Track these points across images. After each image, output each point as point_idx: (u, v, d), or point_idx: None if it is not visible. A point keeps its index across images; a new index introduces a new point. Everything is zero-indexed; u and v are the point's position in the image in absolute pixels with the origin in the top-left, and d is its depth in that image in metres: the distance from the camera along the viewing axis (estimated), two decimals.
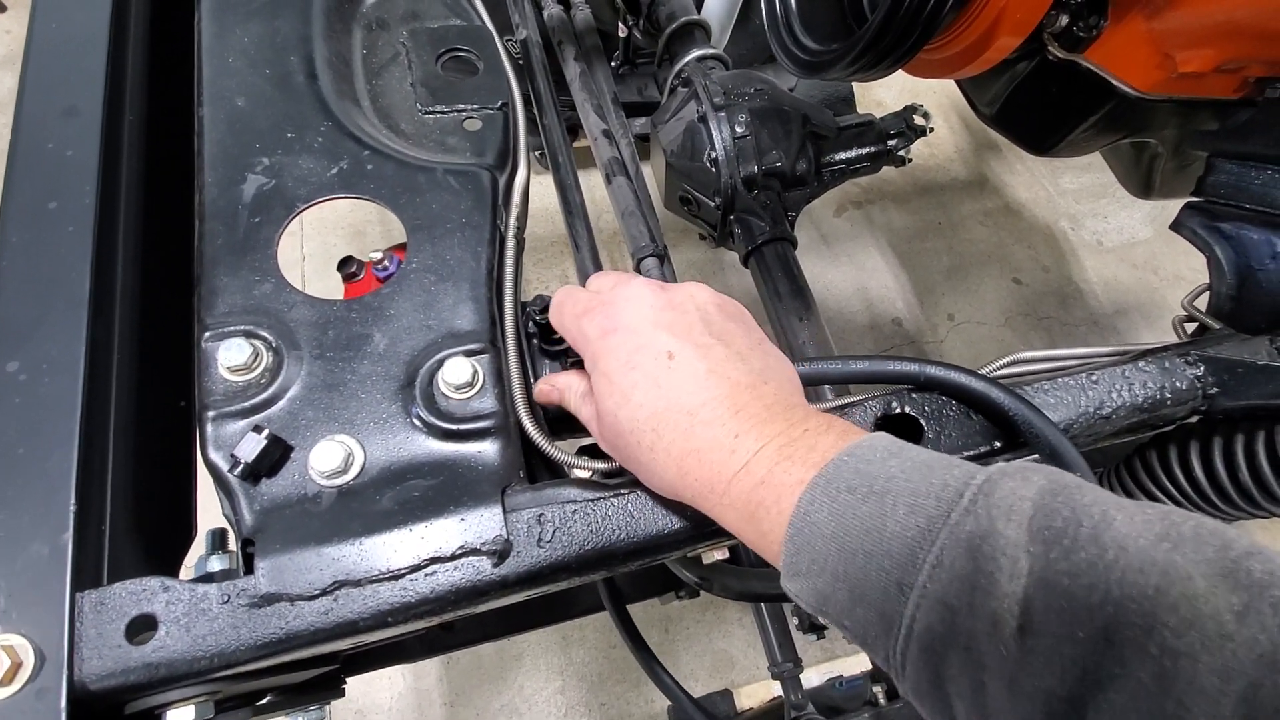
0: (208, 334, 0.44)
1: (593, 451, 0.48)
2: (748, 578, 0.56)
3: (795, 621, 0.91)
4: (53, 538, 0.36)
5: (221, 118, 0.51)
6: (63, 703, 0.33)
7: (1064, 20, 0.62)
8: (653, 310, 0.40)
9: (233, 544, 0.54)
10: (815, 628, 0.91)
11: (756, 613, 0.86)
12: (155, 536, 0.47)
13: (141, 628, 0.36)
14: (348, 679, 0.62)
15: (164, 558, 0.47)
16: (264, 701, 0.52)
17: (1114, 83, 0.65)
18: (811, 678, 1.06)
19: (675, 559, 0.55)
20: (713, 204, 1.07)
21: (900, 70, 0.64)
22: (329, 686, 0.58)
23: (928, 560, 0.28)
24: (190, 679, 0.36)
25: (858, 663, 1.20)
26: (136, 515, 0.45)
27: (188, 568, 0.48)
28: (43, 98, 0.49)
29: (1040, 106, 0.75)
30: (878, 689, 0.88)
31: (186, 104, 0.57)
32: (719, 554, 0.51)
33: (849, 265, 1.80)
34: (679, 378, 0.37)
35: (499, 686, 1.30)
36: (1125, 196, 2.01)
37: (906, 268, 1.81)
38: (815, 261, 1.79)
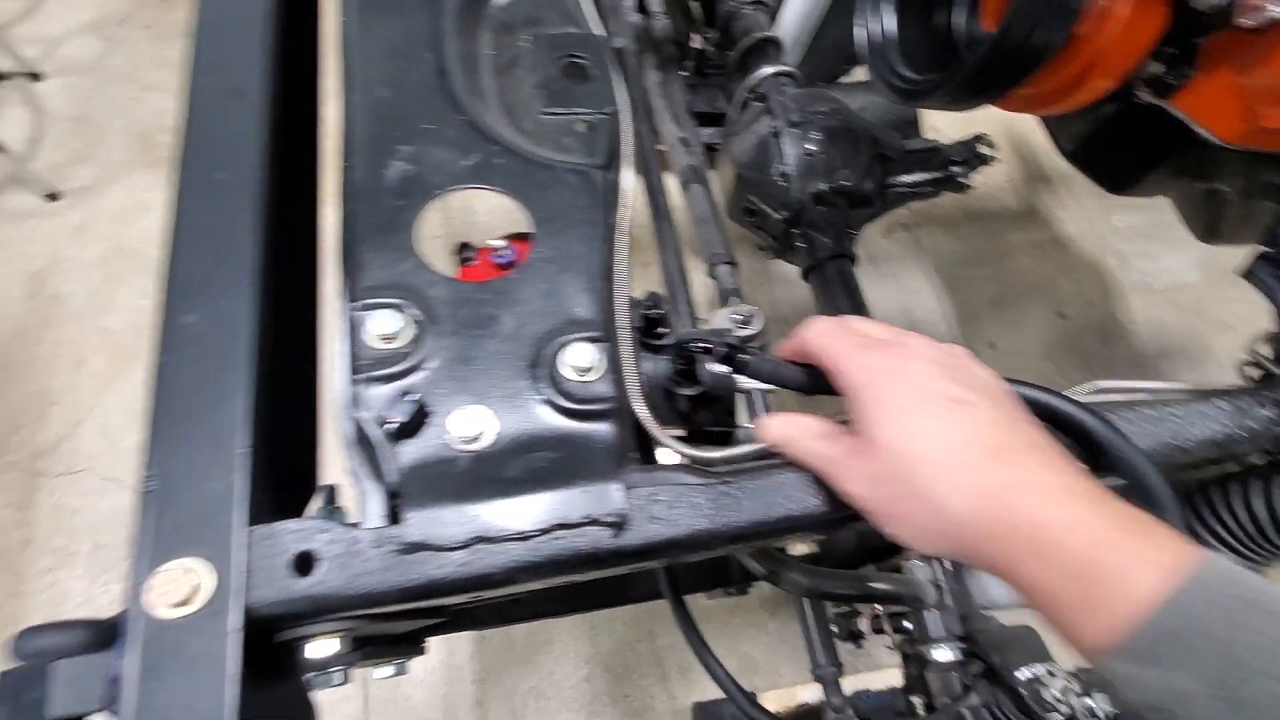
0: (357, 304, 0.48)
1: (698, 439, 0.51)
2: (818, 576, 0.58)
3: (835, 628, 0.94)
4: (227, 476, 0.40)
5: (369, 105, 0.55)
6: (237, 625, 0.37)
7: (1156, 67, 0.65)
8: (938, 364, 0.42)
9: (340, 499, 0.58)
10: (853, 635, 0.93)
11: (801, 614, 0.89)
12: (284, 486, 0.51)
13: (304, 563, 0.40)
14: (426, 639, 0.66)
15: (290, 507, 0.51)
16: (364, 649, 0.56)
17: (1198, 130, 0.67)
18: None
19: (754, 549, 0.58)
20: (778, 217, 1.10)
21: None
22: (413, 643, 0.62)
23: None
24: (341, 613, 0.40)
25: (883, 678, 1.22)
26: (269, 465, 0.49)
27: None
28: (211, 78, 0.53)
29: (1122, 147, 0.77)
30: (916, 700, 0.90)
31: (307, 84, 0.62)
32: (804, 547, 0.54)
33: (894, 286, 1.82)
34: (974, 420, 0.38)
35: (528, 669, 1.34)
36: (1176, 238, 2.01)
37: (951, 293, 1.83)
38: (860, 280, 1.81)
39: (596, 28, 0.70)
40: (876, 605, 0.82)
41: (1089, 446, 0.47)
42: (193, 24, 0.57)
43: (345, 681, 0.53)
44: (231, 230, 0.48)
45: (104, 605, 1.33)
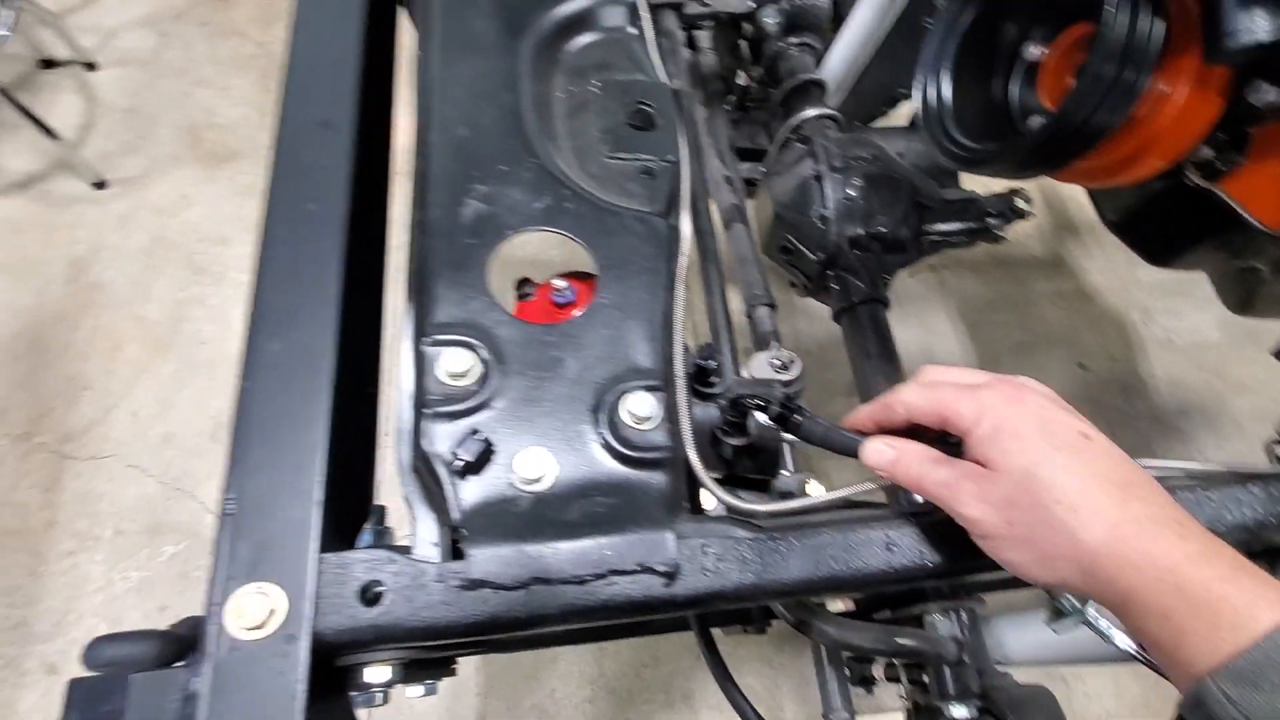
0: (428, 340, 0.49)
1: (736, 484, 0.53)
2: (848, 628, 0.59)
3: (847, 671, 0.94)
4: (303, 504, 0.42)
5: (447, 144, 0.57)
6: (307, 650, 0.39)
7: (1207, 152, 0.66)
8: (1053, 401, 0.44)
9: (389, 520, 0.59)
10: (865, 681, 0.93)
11: (816, 658, 0.89)
12: (344, 508, 0.52)
13: (371, 593, 0.41)
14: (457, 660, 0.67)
15: (346, 529, 0.53)
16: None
17: (1244, 215, 0.68)
18: None
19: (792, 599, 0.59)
20: (814, 257, 1.11)
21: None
22: (446, 665, 0.63)
23: None
24: (401, 643, 0.41)
25: None
26: (333, 488, 0.50)
27: None
28: (302, 111, 0.55)
29: (1166, 223, 0.78)
30: None
31: (384, 115, 0.64)
32: (842, 604, 0.55)
33: (917, 326, 1.83)
34: (1101, 454, 0.40)
35: (532, 685, 1.34)
36: (1200, 296, 2.01)
37: (974, 336, 1.83)
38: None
39: (662, 74, 0.72)
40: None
41: None
42: (287, 55, 0.59)
43: (386, 702, 0.54)
44: (318, 261, 0.50)
45: (121, 592, 1.35)
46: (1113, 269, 2.00)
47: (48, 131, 1.68)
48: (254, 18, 2.07)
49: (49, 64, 1.92)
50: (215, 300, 1.64)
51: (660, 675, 1.37)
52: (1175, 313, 1.95)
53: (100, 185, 1.75)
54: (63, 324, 1.59)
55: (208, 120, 1.88)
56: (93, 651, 0.42)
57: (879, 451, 0.47)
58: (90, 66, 1.93)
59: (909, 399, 0.47)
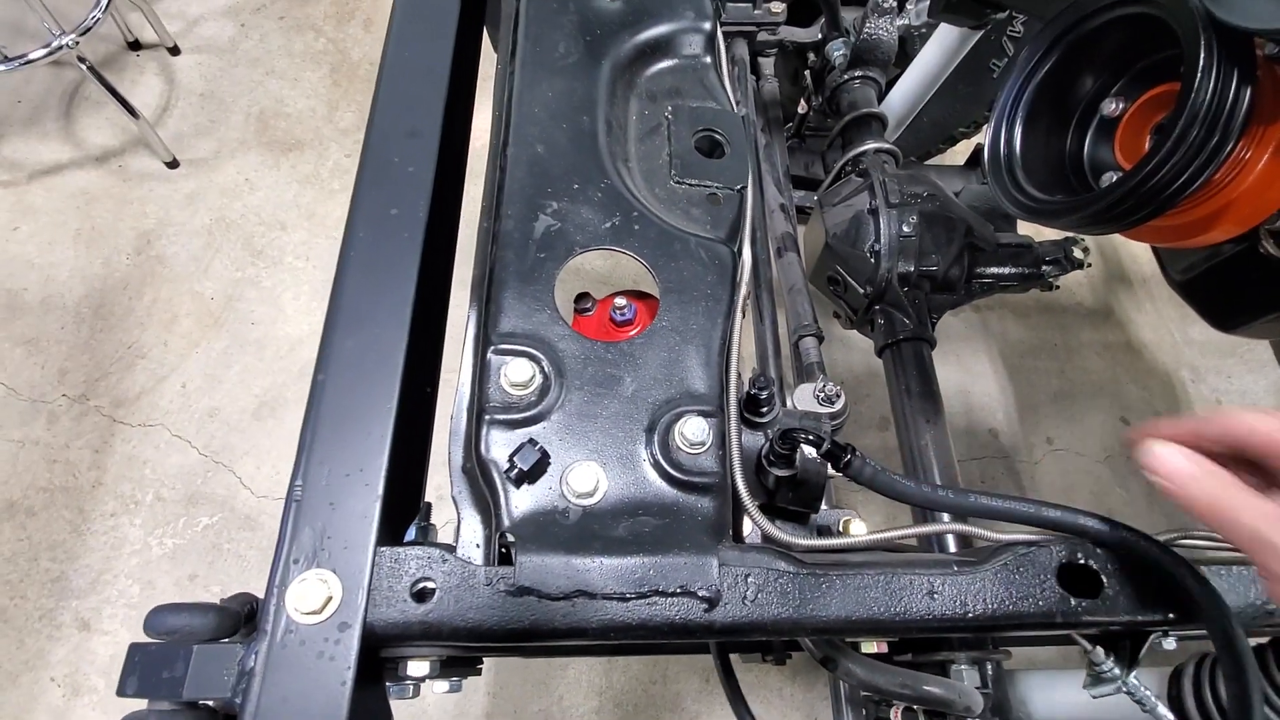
0: (493, 349, 0.51)
1: (774, 515, 0.53)
2: (876, 670, 0.59)
3: (864, 711, 0.93)
4: (366, 498, 0.44)
5: (524, 159, 0.59)
6: (357, 640, 0.40)
7: None
8: None
9: (434, 517, 0.61)
10: None
11: (834, 695, 0.89)
12: (394, 505, 0.54)
13: (423, 590, 0.42)
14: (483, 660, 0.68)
15: (397, 523, 0.55)
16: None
17: None
18: None
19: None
20: (861, 291, 1.11)
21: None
22: (473, 663, 0.64)
23: None
24: (444, 641, 0.43)
25: None
26: (392, 483, 0.52)
27: None
28: (391, 118, 0.58)
29: (1235, 288, 0.77)
30: None
31: (464, 124, 0.66)
32: (878, 646, 0.55)
33: (955, 365, 1.80)
34: None
35: (540, 691, 1.35)
36: (1253, 359, 1.94)
37: (1014, 381, 1.80)
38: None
39: (732, 102, 0.73)
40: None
41: (1182, 597, 0.47)
42: (381, 63, 0.62)
43: (417, 695, 0.55)
44: (397, 264, 0.52)
45: (156, 557, 1.39)
46: (1163, 324, 1.95)
47: (129, 109, 1.76)
48: (330, 15, 2.14)
49: (135, 46, 2.02)
50: (269, 283, 1.70)
51: (668, 694, 1.36)
52: (1226, 373, 1.89)
53: (172, 164, 1.82)
54: (125, 293, 1.66)
55: (277, 109, 1.95)
56: (155, 619, 0.43)
57: (1171, 458, 0.39)
58: (173, 51, 2.02)
59: (1250, 418, 0.40)
